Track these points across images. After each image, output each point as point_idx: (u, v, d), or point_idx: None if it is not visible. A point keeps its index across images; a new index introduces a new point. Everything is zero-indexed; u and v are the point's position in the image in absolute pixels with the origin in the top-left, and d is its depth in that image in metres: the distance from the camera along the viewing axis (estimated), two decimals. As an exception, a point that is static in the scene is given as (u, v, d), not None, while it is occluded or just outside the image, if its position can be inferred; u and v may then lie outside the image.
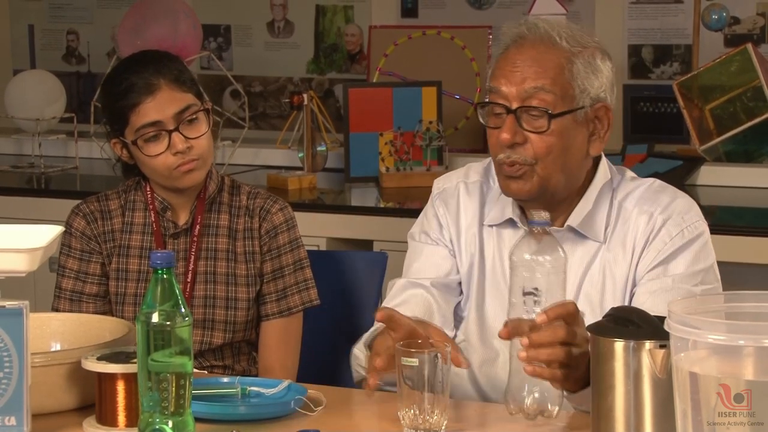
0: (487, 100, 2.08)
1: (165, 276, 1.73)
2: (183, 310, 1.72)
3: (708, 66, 3.64)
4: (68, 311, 2.41)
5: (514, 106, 2.02)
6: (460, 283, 2.16)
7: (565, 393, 1.86)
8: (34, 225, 1.83)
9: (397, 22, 4.25)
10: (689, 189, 3.47)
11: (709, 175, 3.57)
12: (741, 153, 3.61)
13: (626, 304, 2.05)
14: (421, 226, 2.21)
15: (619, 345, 1.68)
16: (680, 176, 3.51)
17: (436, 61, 3.91)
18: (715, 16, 3.75)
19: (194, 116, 2.35)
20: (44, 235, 1.77)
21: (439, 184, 2.23)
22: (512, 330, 1.81)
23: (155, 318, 1.71)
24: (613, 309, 1.76)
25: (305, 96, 3.73)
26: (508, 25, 2.08)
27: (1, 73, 4.71)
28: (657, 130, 3.94)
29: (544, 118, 2.00)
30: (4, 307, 1.70)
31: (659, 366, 1.67)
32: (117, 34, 4.07)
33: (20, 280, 1.71)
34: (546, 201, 2.05)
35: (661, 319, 1.60)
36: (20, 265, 1.69)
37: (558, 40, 2.02)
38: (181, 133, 2.32)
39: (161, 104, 2.32)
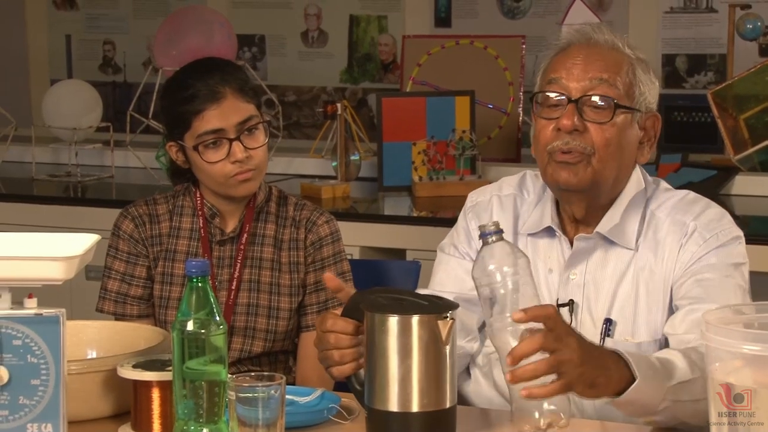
0: (544, 91, 2.06)
1: (200, 284, 1.74)
2: (217, 318, 1.73)
3: (742, 75, 3.62)
4: (112, 313, 2.44)
5: (575, 96, 2.02)
6: None
7: (611, 400, 1.82)
8: (71, 233, 1.85)
9: (430, 32, 4.26)
10: (723, 199, 3.45)
11: (743, 184, 3.55)
12: (776, 163, 3.59)
13: (661, 312, 2.05)
14: (451, 239, 2.22)
15: (392, 319, 1.77)
16: (714, 186, 3.50)
17: (470, 70, 3.91)
18: (749, 26, 3.73)
19: (255, 127, 2.37)
20: (81, 243, 1.78)
21: (473, 197, 2.22)
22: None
23: (190, 326, 1.72)
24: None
25: (339, 105, 3.74)
26: (569, 28, 2.11)
27: (38, 83, 4.76)
28: (691, 140, 3.92)
29: (607, 109, 2.01)
30: (41, 314, 1.72)
31: (432, 336, 1.77)
32: (153, 44, 4.10)
33: (57, 288, 1.72)
34: (588, 200, 2.07)
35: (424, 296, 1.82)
36: (57, 273, 1.70)
37: (621, 45, 2.06)
38: (242, 143, 2.34)
39: (225, 113, 2.34)
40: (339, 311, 1.90)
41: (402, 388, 1.78)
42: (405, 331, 1.78)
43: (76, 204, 3.78)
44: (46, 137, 4.23)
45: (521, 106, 3.89)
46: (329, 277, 1.94)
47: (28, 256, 1.72)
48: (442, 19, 4.28)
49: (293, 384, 2.41)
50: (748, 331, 1.51)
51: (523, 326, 1.77)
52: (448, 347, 1.79)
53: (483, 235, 1.82)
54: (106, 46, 4.73)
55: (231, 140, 2.34)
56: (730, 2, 3.81)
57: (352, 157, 3.79)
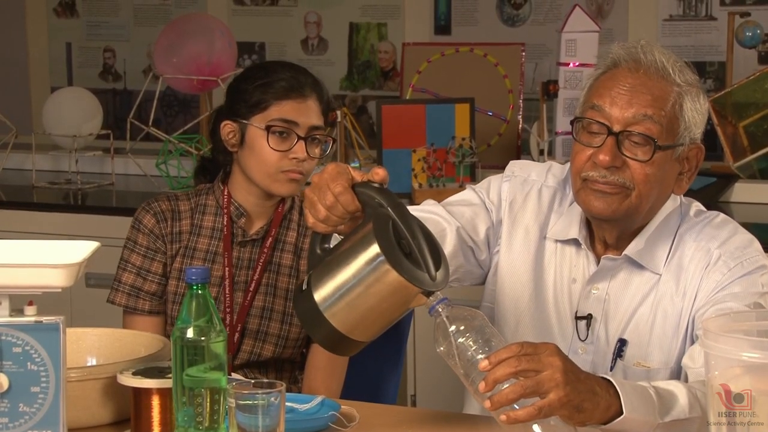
0: (586, 116, 1.99)
1: (200, 291, 1.74)
2: (217, 325, 1.74)
3: (742, 83, 3.62)
4: (124, 305, 2.45)
5: (616, 129, 1.96)
6: (474, 257, 2.13)
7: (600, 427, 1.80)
8: (71, 240, 1.85)
9: (430, 39, 4.26)
10: (723, 206, 3.45)
11: (743, 192, 3.55)
12: (775, 170, 3.59)
13: (676, 341, 2.02)
14: (484, 187, 2.18)
15: (383, 264, 1.71)
16: (714, 193, 3.50)
17: (469, 78, 3.92)
18: (749, 33, 3.73)
19: (320, 140, 2.42)
20: (81, 250, 1.79)
21: (516, 170, 2.17)
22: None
23: (190, 333, 1.73)
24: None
25: (339, 113, 3.75)
26: (619, 45, 2.01)
27: (38, 90, 4.77)
28: (691, 147, 3.92)
29: (648, 147, 1.95)
30: (40, 322, 1.72)
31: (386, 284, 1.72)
32: (153, 52, 4.11)
33: (57, 295, 1.73)
34: (621, 228, 2.03)
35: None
36: (57, 280, 1.71)
37: (672, 73, 1.97)
38: (306, 145, 2.39)
39: (306, 111, 2.40)
40: (360, 176, 1.81)
41: (339, 300, 1.76)
42: (383, 278, 1.73)
43: (76, 211, 3.78)
44: (47, 144, 4.23)
45: (521, 113, 3.89)
46: (379, 171, 1.82)
47: (28, 263, 1.72)
48: (442, 26, 4.29)
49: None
50: (748, 339, 1.52)
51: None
52: (403, 313, 1.78)
53: (430, 311, 1.75)
54: (107, 53, 4.74)
55: (298, 138, 2.38)
56: (729, 10, 3.82)
57: (352, 164, 3.80)
